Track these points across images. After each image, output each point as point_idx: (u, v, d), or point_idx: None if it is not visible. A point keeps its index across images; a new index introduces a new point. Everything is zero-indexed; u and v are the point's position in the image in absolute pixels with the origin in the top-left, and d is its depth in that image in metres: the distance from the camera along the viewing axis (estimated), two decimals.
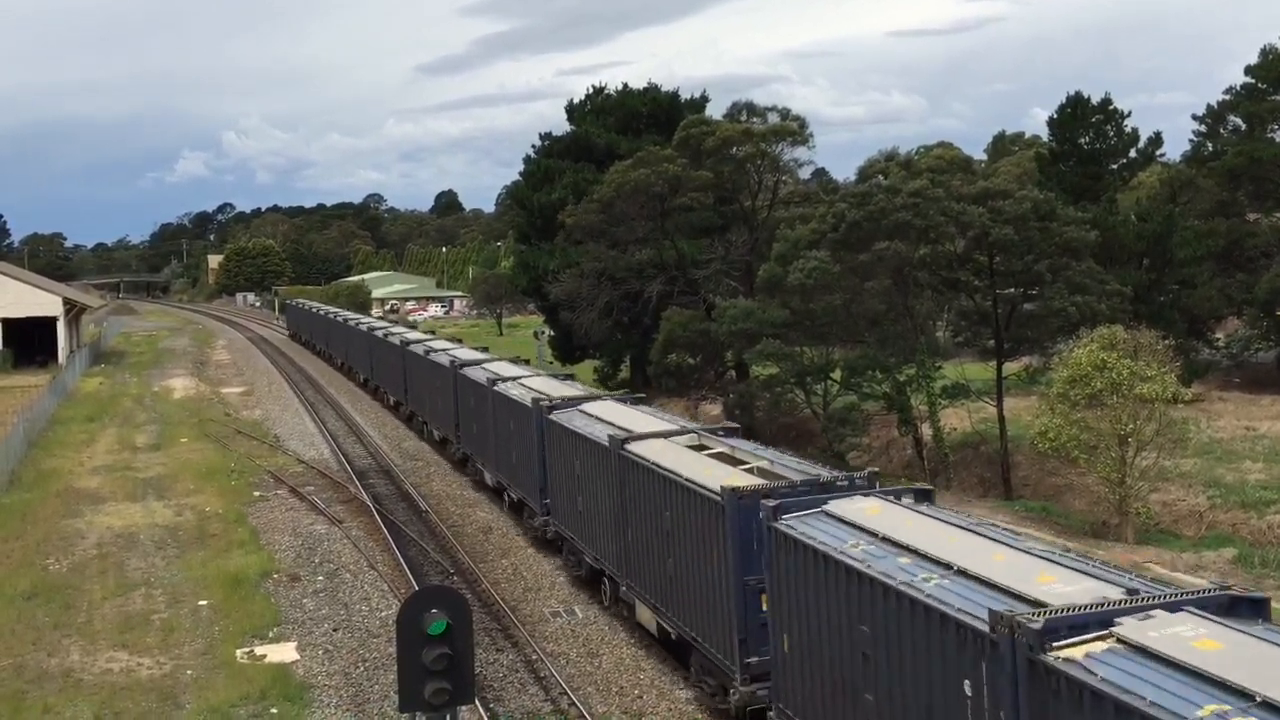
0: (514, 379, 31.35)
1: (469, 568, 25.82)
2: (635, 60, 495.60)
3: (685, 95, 60.32)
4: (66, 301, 71.59)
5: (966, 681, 10.73)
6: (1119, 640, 9.57)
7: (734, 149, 47.76)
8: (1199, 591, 10.61)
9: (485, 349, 43.49)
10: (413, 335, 49.52)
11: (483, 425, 32.40)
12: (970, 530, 13.17)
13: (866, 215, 36.41)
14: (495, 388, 30.65)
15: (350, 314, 72.66)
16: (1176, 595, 10.33)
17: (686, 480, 17.53)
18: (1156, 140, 55.48)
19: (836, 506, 14.53)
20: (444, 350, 41.37)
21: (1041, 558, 11.90)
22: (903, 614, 11.73)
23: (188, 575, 25.48)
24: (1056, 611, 9.97)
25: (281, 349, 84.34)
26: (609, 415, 24.09)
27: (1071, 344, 31.15)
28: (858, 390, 38.64)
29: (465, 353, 40.48)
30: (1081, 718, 9.21)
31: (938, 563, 12.00)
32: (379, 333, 53.56)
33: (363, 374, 57.84)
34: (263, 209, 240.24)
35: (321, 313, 79.08)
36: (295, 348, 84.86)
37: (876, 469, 17.27)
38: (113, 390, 59.10)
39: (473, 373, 34.44)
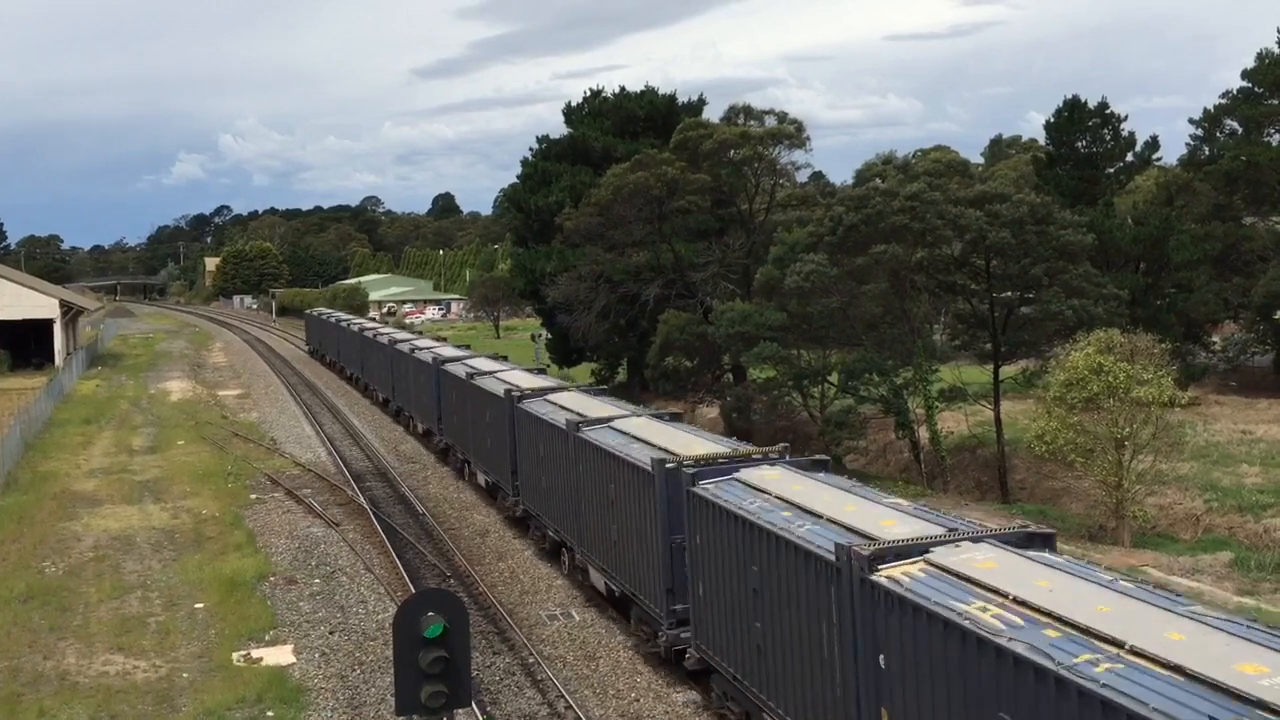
0: (812, 514, 14.88)
1: (465, 571, 25.79)
2: (631, 64, 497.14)
3: (682, 99, 60.36)
4: (63, 304, 71.54)
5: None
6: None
7: (731, 152, 47.83)
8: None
9: (673, 415, 25.02)
10: (521, 379, 31.61)
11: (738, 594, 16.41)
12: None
13: (864, 218, 36.44)
14: (786, 534, 14.47)
15: (399, 333, 56.30)
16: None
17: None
18: (1153, 144, 55.60)
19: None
20: (608, 425, 22.87)
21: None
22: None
23: (184, 578, 25.45)
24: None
25: (278, 351, 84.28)
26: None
27: (1068, 347, 31.17)
28: (855, 393, 38.65)
29: (652, 431, 21.79)
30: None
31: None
32: (453, 368, 36.98)
33: (421, 422, 42.14)
34: (260, 211, 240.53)
35: (354, 328, 61.94)
36: (313, 364, 75.37)
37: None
38: (109, 393, 59.04)
39: (716, 491, 16.88)
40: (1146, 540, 29.33)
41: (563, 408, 25.88)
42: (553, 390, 29.25)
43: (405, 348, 45.72)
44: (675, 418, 24.64)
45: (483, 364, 36.75)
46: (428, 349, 43.84)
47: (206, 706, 18.40)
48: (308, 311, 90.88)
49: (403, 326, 76.58)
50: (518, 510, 28.61)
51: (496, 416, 30.09)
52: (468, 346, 45.34)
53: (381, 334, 55.55)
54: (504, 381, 31.49)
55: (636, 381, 53.58)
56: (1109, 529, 29.91)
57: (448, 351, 42.45)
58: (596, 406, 25.75)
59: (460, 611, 9.52)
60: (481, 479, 32.89)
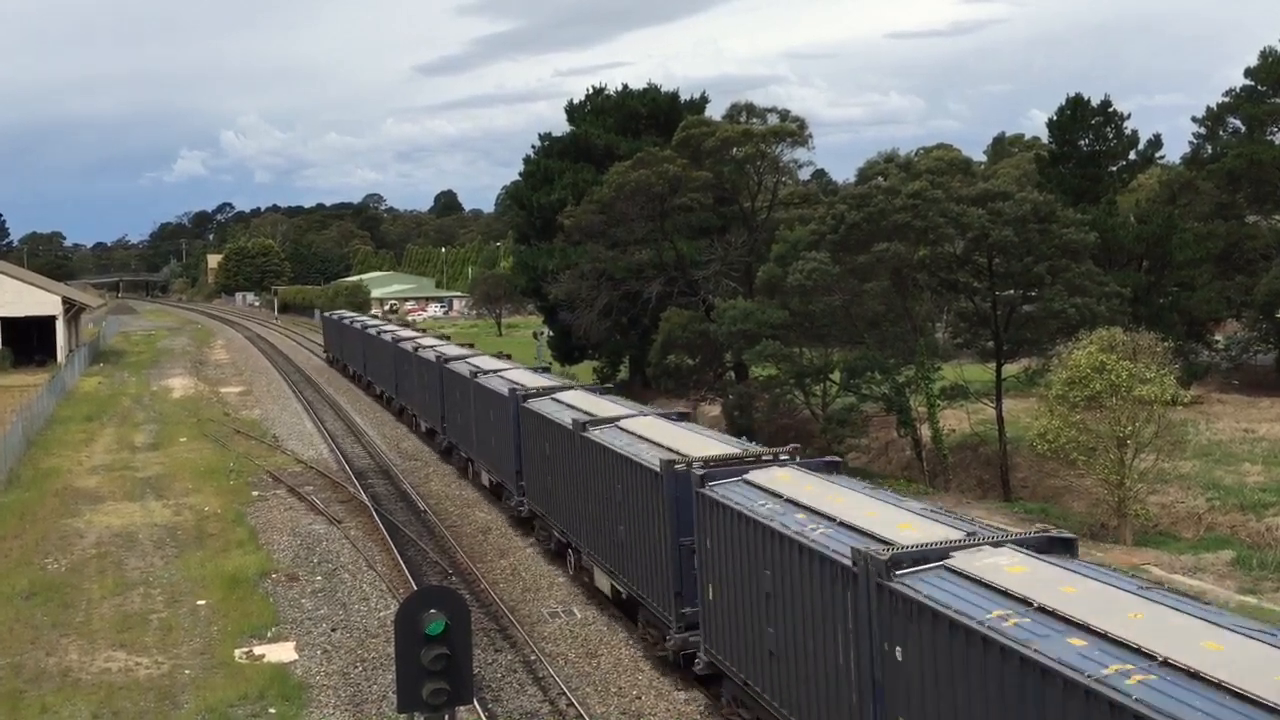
0: None
1: (467, 568, 25.80)
2: (633, 61, 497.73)
3: (684, 96, 60.36)
4: (65, 300, 71.57)
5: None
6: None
7: (734, 150, 47.76)
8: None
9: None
10: (678, 439, 21.01)
11: None
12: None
13: (866, 216, 36.41)
14: None
15: (447, 346, 44.37)
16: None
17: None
18: (1156, 142, 55.55)
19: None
20: (944, 566, 12.47)
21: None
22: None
23: (186, 575, 25.47)
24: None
25: (279, 348, 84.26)
26: None
27: (1070, 346, 31.15)
28: (857, 391, 38.63)
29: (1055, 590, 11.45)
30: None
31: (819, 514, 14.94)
32: (545, 409, 26.09)
33: (491, 474, 31.59)
34: (262, 208, 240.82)
35: (386, 337, 51.50)
36: (326, 371, 69.47)
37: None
38: (111, 389, 59.07)
39: None
40: (1149, 539, 29.32)
41: (818, 513, 14.95)
42: (753, 463, 17.88)
43: (462, 369, 35.18)
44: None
45: (589, 403, 25.62)
46: (495, 372, 33.42)
47: (208, 703, 18.41)
48: (326, 314, 77.13)
49: (406, 324, 75.56)
50: (695, 662, 17.84)
51: (646, 497, 19.26)
52: (547, 369, 35.71)
53: (425, 348, 43.56)
54: (649, 441, 20.77)
55: (638, 379, 53.57)
56: (1111, 527, 29.90)
57: (527, 380, 31.26)
58: (880, 511, 14.88)
59: (462, 609, 9.52)
60: (606, 583, 22.19)
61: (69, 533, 29.38)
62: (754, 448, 20.13)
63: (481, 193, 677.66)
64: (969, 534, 13.32)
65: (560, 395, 27.44)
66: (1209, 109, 54.50)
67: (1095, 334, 30.30)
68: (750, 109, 52.22)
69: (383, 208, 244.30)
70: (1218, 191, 51.12)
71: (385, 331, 53.99)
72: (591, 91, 61.04)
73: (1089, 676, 9.49)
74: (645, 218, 49.03)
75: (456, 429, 36.35)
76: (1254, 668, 8.91)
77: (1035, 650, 10.11)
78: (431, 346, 43.99)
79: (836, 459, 18.63)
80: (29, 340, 68.93)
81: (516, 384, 30.27)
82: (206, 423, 46.70)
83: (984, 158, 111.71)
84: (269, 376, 65.29)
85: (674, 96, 59.75)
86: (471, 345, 44.17)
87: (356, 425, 46.91)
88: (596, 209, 48.54)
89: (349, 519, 30.22)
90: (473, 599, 23.22)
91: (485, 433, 31.85)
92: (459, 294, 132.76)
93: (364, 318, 67.76)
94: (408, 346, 45.93)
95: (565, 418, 24.24)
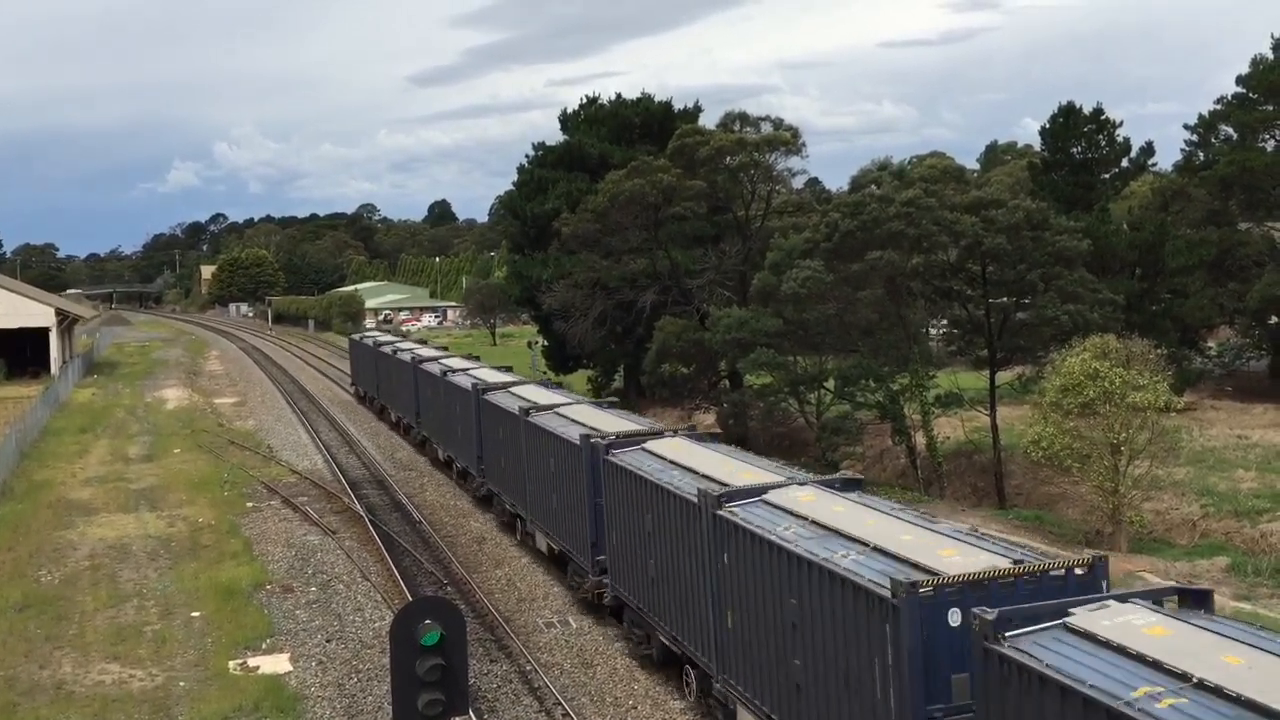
0: None
1: (462, 578, 25.76)
2: (627, 71, 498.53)
3: (678, 105, 60.42)
4: (59, 312, 71.42)
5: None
6: None
7: (727, 158, 47.85)
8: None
9: None
10: None
11: None
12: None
13: (859, 224, 36.47)
14: None
15: (603, 415, 25.49)
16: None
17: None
18: (1148, 150, 55.61)
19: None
20: None
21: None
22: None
23: (180, 586, 25.41)
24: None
25: (273, 358, 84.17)
26: None
27: (1064, 353, 31.19)
28: (851, 399, 38.66)
29: None
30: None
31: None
32: (812, 555, 13.60)
33: (695, 657, 17.43)
34: (255, 219, 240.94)
35: (458, 380, 35.29)
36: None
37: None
38: (105, 401, 58.95)
39: None
40: (1143, 545, 29.34)
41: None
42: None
43: (648, 467, 19.37)
44: None
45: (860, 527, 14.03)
46: (680, 463, 19.06)
47: (203, 715, 18.37)
48: (353, 336, 62.33)
49: (400, 334, 75.08)
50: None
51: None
52: (733, 445, 22.74)
53: (541, 409, 26.63)
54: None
55: (633, 388, 53.57)
56: (1105, 534, 29.90)
57: (746, 476, 17.67)
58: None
59: (457, 619, 9.50)
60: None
61: (62, 545, 29.30)
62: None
63: (475, 202, 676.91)
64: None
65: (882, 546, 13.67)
66: (1201, 116, 54.57)
67: (1089, 341, 30.34)
68: (744, 118, 52.33)
69: (377, 218, 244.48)
70: (1210, 198, 51.22)
71: (454, 371, 36.77)
72: (585, 101, 61.13)
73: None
74: (639, 227, 49.10)
75: (628, 574, 20.45)
76: None
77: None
78: (553, 407, 26.80)
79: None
80: (22, 352, 68.79)
81: (809, 521, 14.88)
82: (200, 434, 46.62)
83: (977, 166, 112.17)
84: (263, 387, 65.22)
85: (667, 106, 59.82)
86: (618, 400, 31.86)
87: (351, 436, 46.83)
88: (591, 218, 48.58)
89: (344, 529, 30.16)
90: (468, 609, 23.17)
91: (691, 600, 17.57)
92: (453, 304, 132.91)
93: (411, 343, 51.04)
94: (508, 404, 28.79)
95: (833, 558, 13.59)
